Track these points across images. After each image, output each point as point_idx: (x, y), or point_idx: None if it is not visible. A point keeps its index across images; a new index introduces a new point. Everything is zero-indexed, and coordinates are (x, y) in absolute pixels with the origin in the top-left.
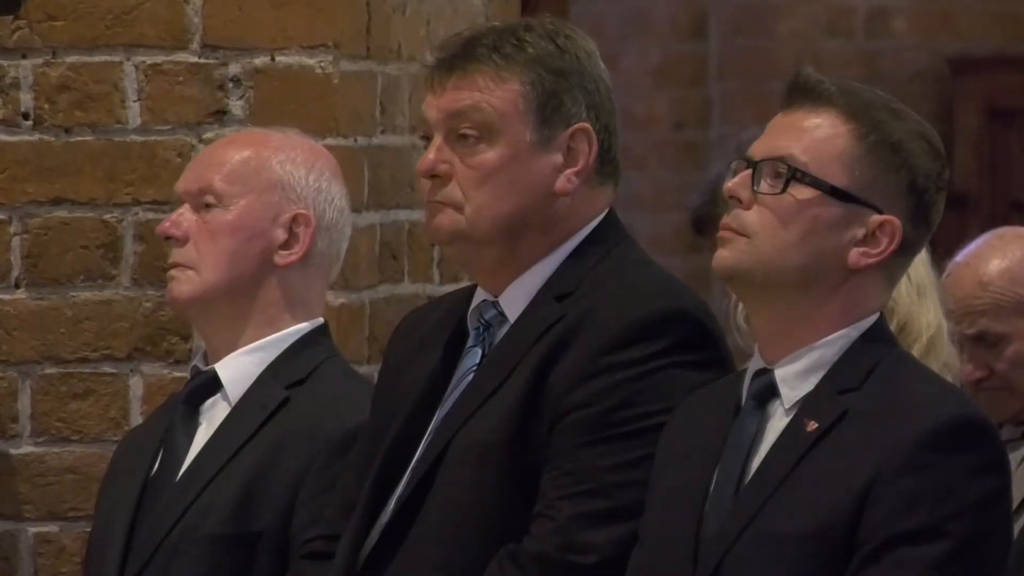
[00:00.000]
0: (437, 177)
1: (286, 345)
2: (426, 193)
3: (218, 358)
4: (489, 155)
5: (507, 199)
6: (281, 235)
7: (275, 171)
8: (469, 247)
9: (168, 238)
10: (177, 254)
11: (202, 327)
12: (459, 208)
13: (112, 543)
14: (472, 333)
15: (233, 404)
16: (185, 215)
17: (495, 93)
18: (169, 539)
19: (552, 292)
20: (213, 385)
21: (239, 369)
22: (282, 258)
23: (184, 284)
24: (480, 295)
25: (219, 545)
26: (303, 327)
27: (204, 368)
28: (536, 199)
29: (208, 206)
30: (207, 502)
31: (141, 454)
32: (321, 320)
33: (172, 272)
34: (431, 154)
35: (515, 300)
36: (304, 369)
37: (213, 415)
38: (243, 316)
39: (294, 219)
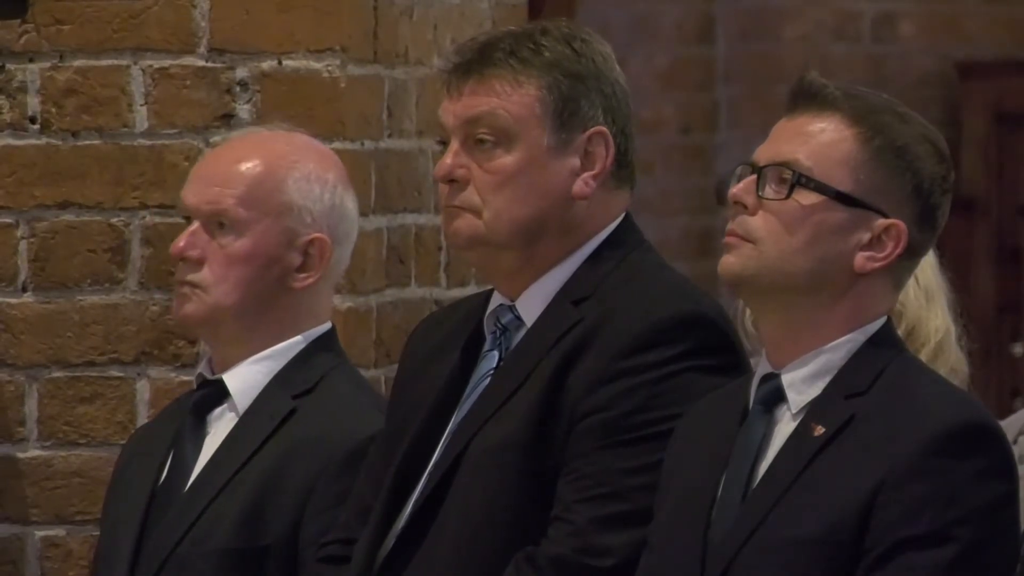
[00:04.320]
0: (455, 181)
1: (293, 353)
2: (444, 198)
3: (224, 367)
4: (507, 160)
5: (525, 203)
6: (297, 259)
7: (290, 193)
8: (487, 252)
9: (183, 259)
10: (189, 273)
11: (208, 340)
12: (477, 213)
13: (119, 554)
14: (489, 337)
15: (240, 414)
16: (199, 235)
17: (512, 98)
18: (177, 552)
19: (569, 296)
20: (220, 394)
21: (246, 379)
22: (298, 281)
23: (195, 305)
24: (497, 299)
25: (227, 559)
26: (310, 333)
27: (210, 377)
28: (554, 203)
29: (222, 226)
30: (215, 515)
31: (148, 461)
32: (328, 324)
33: (183, 290)
34: (448, 159)
35: (532, 304)
36: (311, 378)
37: (220, 425)
38: (252, 331)
39: (310, 242)
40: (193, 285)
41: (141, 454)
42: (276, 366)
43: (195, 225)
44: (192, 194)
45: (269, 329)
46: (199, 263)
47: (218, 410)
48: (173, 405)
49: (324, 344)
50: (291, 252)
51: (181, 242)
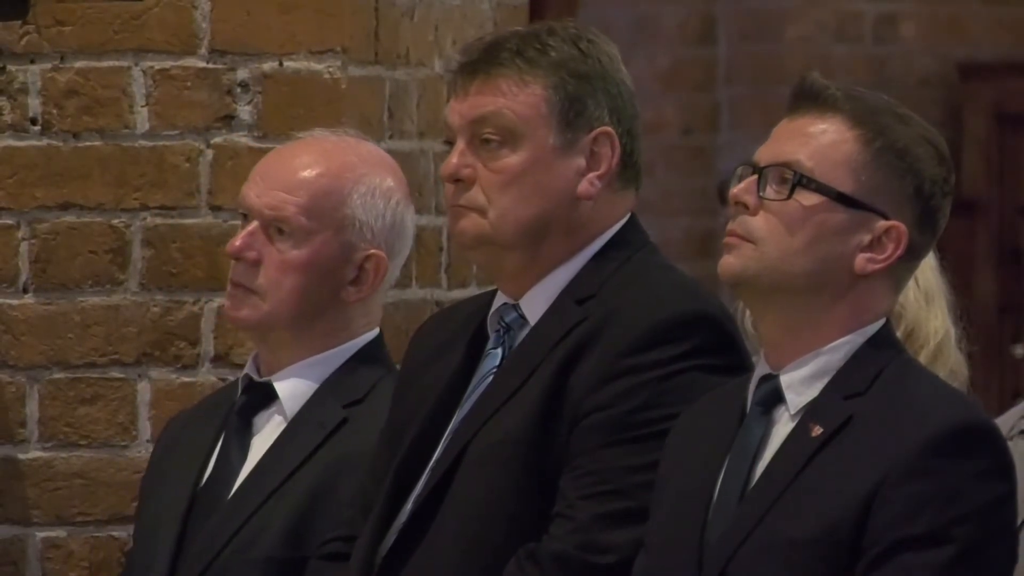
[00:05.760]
0: (460, 181)
1: (343, 360)
2: (449, 197)
3: (272, 370)
4: (512, 159)
5: (530, 203)
6: (351, 273)
7: (354, 207)
8: (493, 251)
9: (238, 259)
10: (243, 275)
11: (258, 343)
12: (483, 212)
13: (158, 556)
14: (492, 336)
15: (289, 419)
16: (257, 237)
17: (518, 98)
18: (220, 558)
19: (573, 295)
20: (267, 397)
21: (296, 384)
22: (350, 295)
23: (248, 309)
24: (500, 298)
25: (272, 568)
26: (358, 340)
27: (258, 379)
28: (559, 203)
29: (281, 232)
30: (261, 523)
31: (188, 459)
32: (376, 331)
33: (237, 292)
34: (454, 158)
35: (536, 303)
36: (362, 388)
37: (267, 429)
38: (302, 338)
39: (367, 258)
40: (249, 290)
41: (180, 451)
42: (325, 372)
43: (253, 225)
44: (255, 194)
45: (319, 336)
46: (255, 264)
47: (265, 413)
48: (214, 398)
49: (372, 351)
50: (347, 266)
51: (238, 241)
